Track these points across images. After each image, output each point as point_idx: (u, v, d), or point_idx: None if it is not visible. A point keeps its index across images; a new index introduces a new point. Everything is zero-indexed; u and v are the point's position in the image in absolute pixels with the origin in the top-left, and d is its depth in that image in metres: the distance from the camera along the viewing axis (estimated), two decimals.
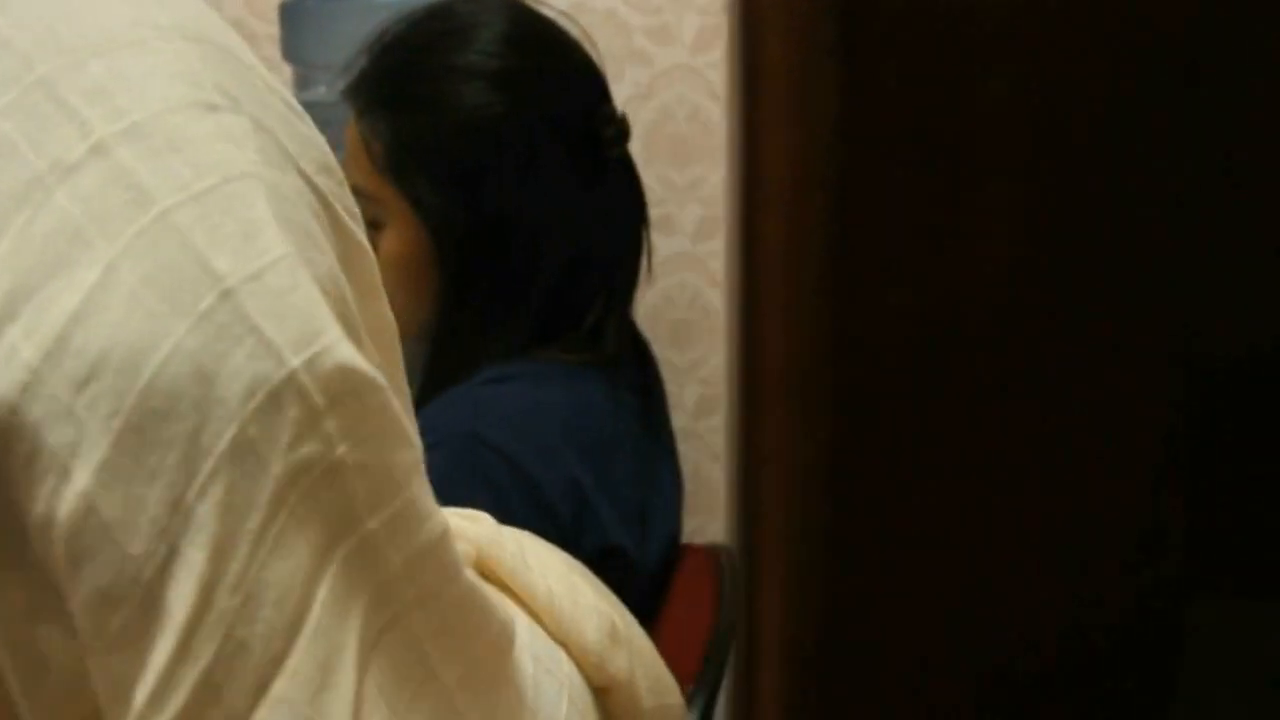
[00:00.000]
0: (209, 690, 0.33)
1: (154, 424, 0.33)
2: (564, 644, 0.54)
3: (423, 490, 0.39)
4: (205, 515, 0.33)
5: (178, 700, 0.33)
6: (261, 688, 0.34)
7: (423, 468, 0.39)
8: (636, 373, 1.08)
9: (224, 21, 0.39)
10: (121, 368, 0.33)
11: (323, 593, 0.35)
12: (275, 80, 0.40)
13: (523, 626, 0.49)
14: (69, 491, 0.33)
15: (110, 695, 0.34)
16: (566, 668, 0.53)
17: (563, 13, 1.12)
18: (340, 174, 0.41)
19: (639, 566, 0.99)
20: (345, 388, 0.36)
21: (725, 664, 0.98)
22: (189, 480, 0.33)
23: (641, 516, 1.00)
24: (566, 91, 1.04)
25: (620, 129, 1.05)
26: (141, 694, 0.33)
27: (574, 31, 1.08)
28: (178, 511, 0.33)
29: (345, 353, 0.36)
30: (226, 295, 0.34)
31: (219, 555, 0.33)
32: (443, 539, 0.39)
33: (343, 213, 0.40)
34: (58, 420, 0.32)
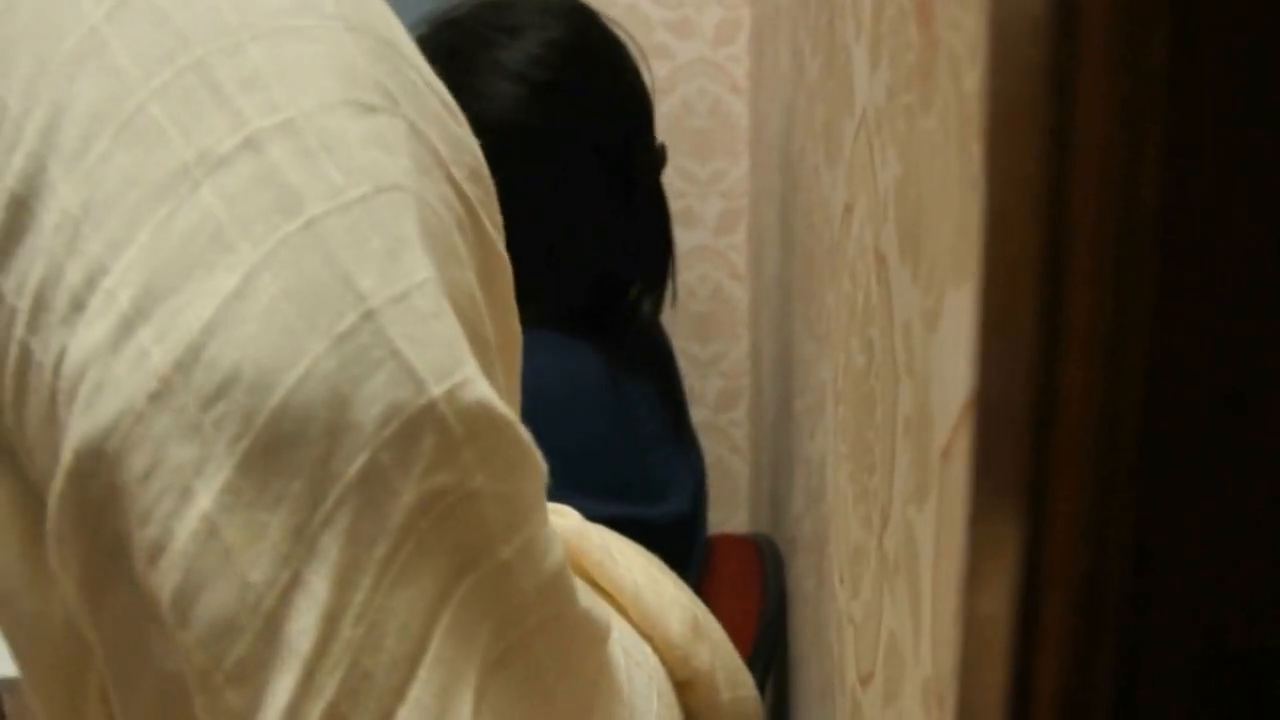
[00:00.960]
0: (350, 700, 0.32)
1: (282, 448, 0.31)
2: (649, 638, 0.54)
3: (546, 515, 0.37)
4: (329, 543, 0.32)
5: (317, 707, 0.32)
6: (389, 715, 0.32)
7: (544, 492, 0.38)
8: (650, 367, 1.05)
9: (387, 8, 0.38)
10: (254, 386, 0.31)
11: (446, 619, 0.33)
12: (433, 75, 0.38)
13: (614, 621, 0.48)
14: (190, 512, 0.31)
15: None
16: (654, 661, 0.53)
17: (618, 25, 1.05)
18: (489, 181, 0.39)
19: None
20: (483, 423, 0.34)
21: (773, 653, 0.98)
22: (314, 507, 0.32)
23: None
24: (608, 118, 0.98)
25: (657, 158, 1.01)
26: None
27: (632, 50, 1.02)
28: (301, 539, 0.32)
29: (484, 389, 0.34)
30: (369, 316, 0.33)
31: (343, 584, 0.32)
32: (565, 563, 0.38)
33: (488, 223, 0.38)
34: (184, 435, 0.31)
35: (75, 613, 0.34)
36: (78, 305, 0.31)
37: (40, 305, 0.32)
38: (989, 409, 0.24)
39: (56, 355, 0.32)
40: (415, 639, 0.33)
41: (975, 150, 0.33)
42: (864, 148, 0.55)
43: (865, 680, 0.54)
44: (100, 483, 0.31)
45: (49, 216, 0.32)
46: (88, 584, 0.33)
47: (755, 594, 1.03)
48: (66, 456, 0.31)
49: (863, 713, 0.56)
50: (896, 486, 0.46)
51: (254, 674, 0.32)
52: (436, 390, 0.33)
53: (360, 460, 0.32)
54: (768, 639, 1.01)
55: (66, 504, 0.32)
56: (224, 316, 0.31)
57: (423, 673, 0.33)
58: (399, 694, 0.32)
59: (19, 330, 0.32)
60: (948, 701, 0.36)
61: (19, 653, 0.37)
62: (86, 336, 0.31)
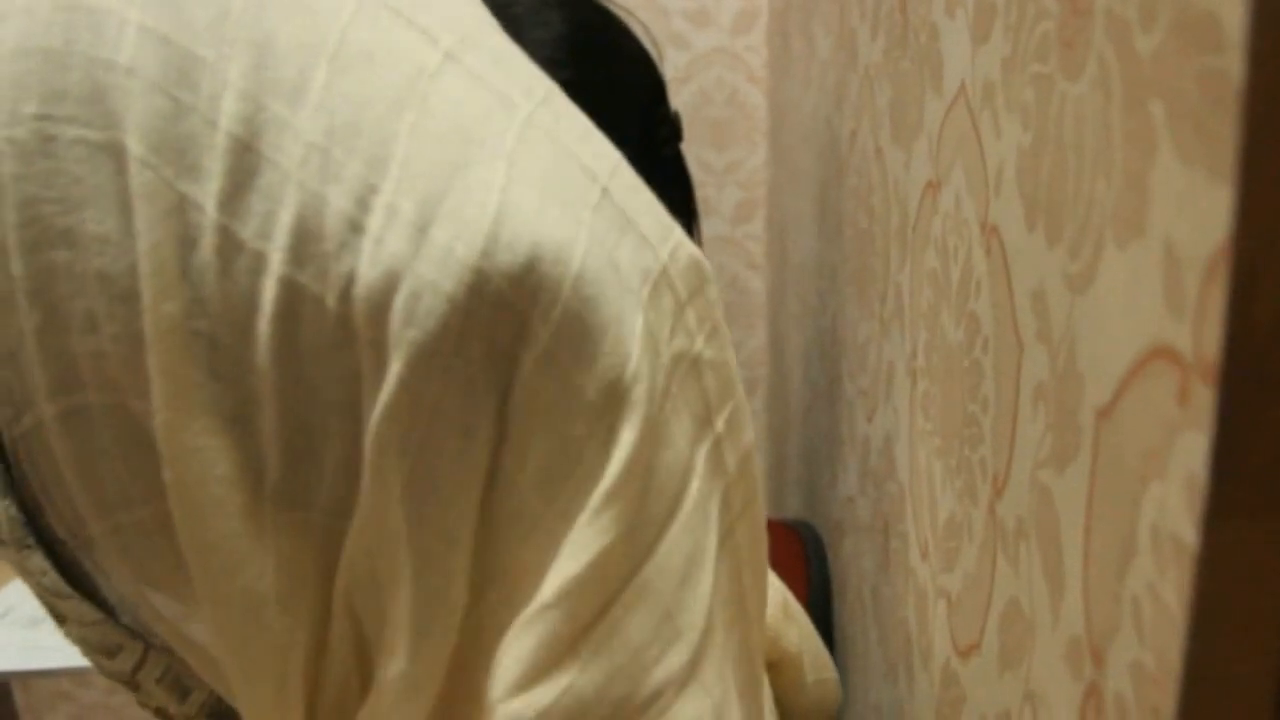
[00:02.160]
0: (622, 562, 0.34)
1: (588, 311, 0.33)
2: None
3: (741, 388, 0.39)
4: (638, 397, 0.34)
5: (588, 569, 0.33)
6: (635, 570, 0.34)
7: None
8: None
9: None
10: (554, 259, 0.33)
11: (693, 487, 0.35)
12: None
13: None
14: (519, 378, 0.33)
15: (546, 563, 0.34)
16: None
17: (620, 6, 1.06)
18: None
19: None
20: (698, 280, 0.36)
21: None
22: (623, 365, 0.33)
23: None
24: (623, 101, 0.97)
25: (674, 128, 1.00)
26: (570, 564, 0.33)
27: (635, 30, 1.01)
28: (614, 394, 0.33)
29: (692, 246, 0.36)
30: (606, 193, 0.35)
31: (644, 437, 0.34)
32: (754, 443, 0.39)
33: None
34: (504, 317, 0.32)
35: (366, 550, 0.34)
36: (356, 227, 0.32)
37: (305, 238, 0.32)
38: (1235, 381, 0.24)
39: (343, 280, 0.32)
40: (670, 500, 0.35)
41: (1156, 109, 0.33)
42: (963, 122, 0.55)
43: (968, 651, 0.55)
44: (435, 384, 0.32)
45: (288, 152, 0.32)
46: (411, 497, 0.33)
47: (800, 579, 1.03)
48: (397, 367, 0.31)
49: (960, 683, 0.56)
50: (1019, 454, 0.46)
51: (574, 512, 0.34)
52: (664, 253, 0.36)
53: (639, 323, 0.34)
54: (817, 624, 1.02)
55: (399, 413, 0.32)
56: (506, 203, 0.33)
57: (673, 533, 0.35)
58: (649, 551, 0.34)
59: (278, 269, 0.32)
60: (1109, 659, 0.36)
61: (228, 634, 0.36)
62: (381, 252, 0.32)
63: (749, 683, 0.38)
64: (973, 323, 0.54)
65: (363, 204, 0.32)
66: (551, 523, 0.33)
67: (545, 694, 0.33)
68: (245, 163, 0.32)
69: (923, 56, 0.65)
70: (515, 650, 0.33)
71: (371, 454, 0.33)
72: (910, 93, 0.69)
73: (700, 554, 0.35)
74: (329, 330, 0.32)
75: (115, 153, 0.33)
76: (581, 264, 0.33)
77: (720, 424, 0.36)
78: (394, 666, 0.34)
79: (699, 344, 0.36)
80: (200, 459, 0.33)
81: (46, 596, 0.37)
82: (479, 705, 0.35)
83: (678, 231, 0.36)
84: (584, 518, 0.33)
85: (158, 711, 0.41)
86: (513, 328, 0.32)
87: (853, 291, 0.90)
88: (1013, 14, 0.47)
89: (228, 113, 0.32)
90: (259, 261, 0.32)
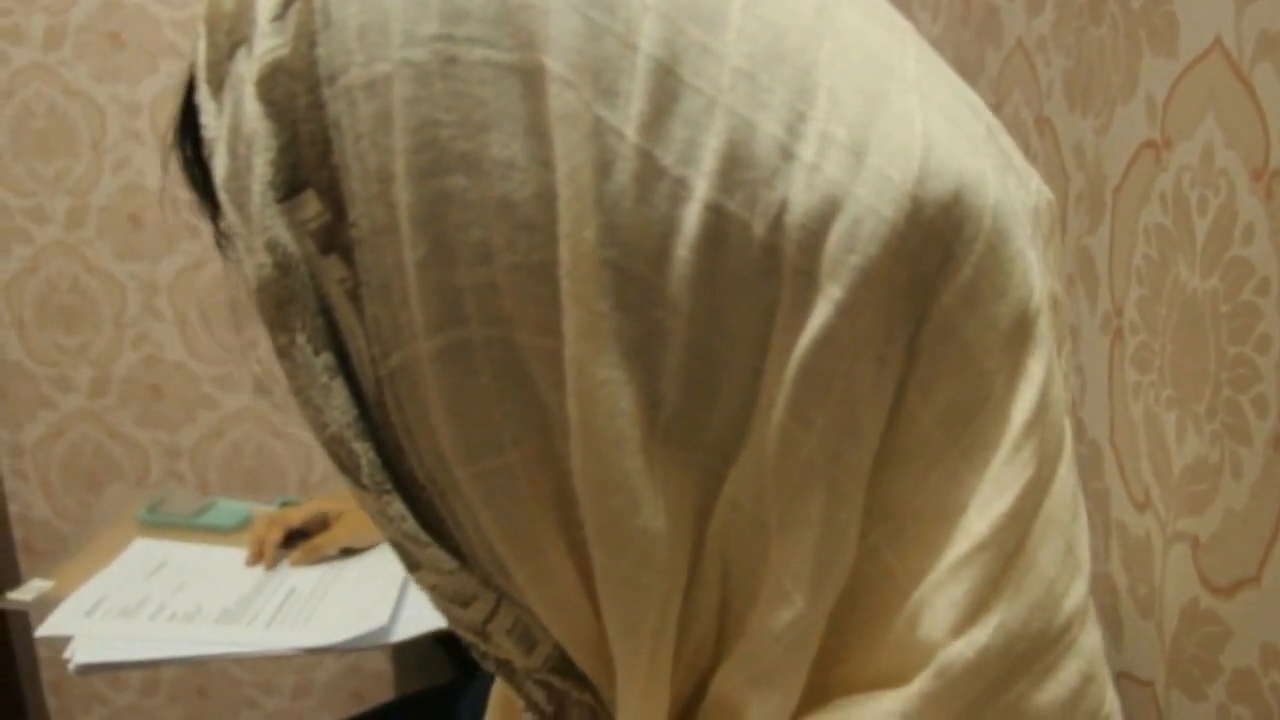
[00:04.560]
0: (1034, 494, 0.34)
1: (1000, 243, 0.33)
2: None
3: None
4: (1042, 330, 0.34)
5: (1007, 501, 0.33)
6: (1040, 504, 0.34)
7: None
8: None
9: None
10: (974, 189, 0.33)
11: (1066, 420, 0.36)
12: None
13: None
14: (936, 308, 0.33)
15: (950, 503, 0.33)
16: None
17: None
18: None
19: None
20: (1053, 219, 0.37)
21: None
22: (1029, 298, 0.33)
23: None
24: None
25: None
26: (979, 500, 0.33)
27: None
28: (1023, 327, 0.33)
29: (1046, 186, 0.38)
30: (990, 129, 0.35)
31: (1049, 370, 0.34)
32: None
33: None
34: (935, 243, 0.32)
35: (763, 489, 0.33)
36: (788, 154, 0.32)
37: (734, 165, 0.32)
38: None
39: (775, 207, 0.32)
40: (1062, 429, 0.35)
41: None
42: (1210, 82, 0.57)
43: (1232, 587, 0.57)
44: (867, 312, 0.32)
45: (712, 77, 0.32)
46: (832, 428, 0.33)
47: None
48: (835, 293, 0.31)
49: (1221, 619, 0.58)
50: None
51: (982, 452, 0.33)
52: (1033, 190, 0.36)
53: (1031, 257, 0.34)
54: None
55: (833, 340, 0.32)
56: (928, 133, 0.33)
57: (1062, 471, 0.35)
58: (1048, 482, 0.34)
59: (705, 195, 0.32)
60: None
61: (618, 580, 0.34)
62: (817, 178, 0.31)
63: None
64: (1239, 267, 0.56)
65: (793, 131, 0.32)
66: (954, 461, 0.33)
67: (981, 633, 0.32)
68: (667, 87, 0.32)
69: (1132, 26, 0.67)
70: (951, 591, 0.33)
71: (791, 386, 0.32)
72: (1107, 61, 0.71)
73: (1078, 486, 0.36)
74: (752, 259, 0.32)
75: (527, 74, 0.32)
76: (995, 196, 0.33)
77: (1064, 360, 0.37)
78: (785, 613, 0.34)
79: (1056, 282, 0.37)
80: (606, 393, 0.32)
81: (403, 542, 0.37)
82: (840, 661, 0.35)
83: (1035, 172, 0.37)
84: (1002, 454, 0.33)
85: (501, 664, 0.39)
86: (937, 257, 0.32)
87: None
88: None
89: (647, 35, 0.32)
90: (681, 188, 0.32)
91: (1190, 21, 0.60)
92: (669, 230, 0.32)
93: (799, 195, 0.31)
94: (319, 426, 0.36)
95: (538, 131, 0.32)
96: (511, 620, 0.38)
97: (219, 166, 0.35)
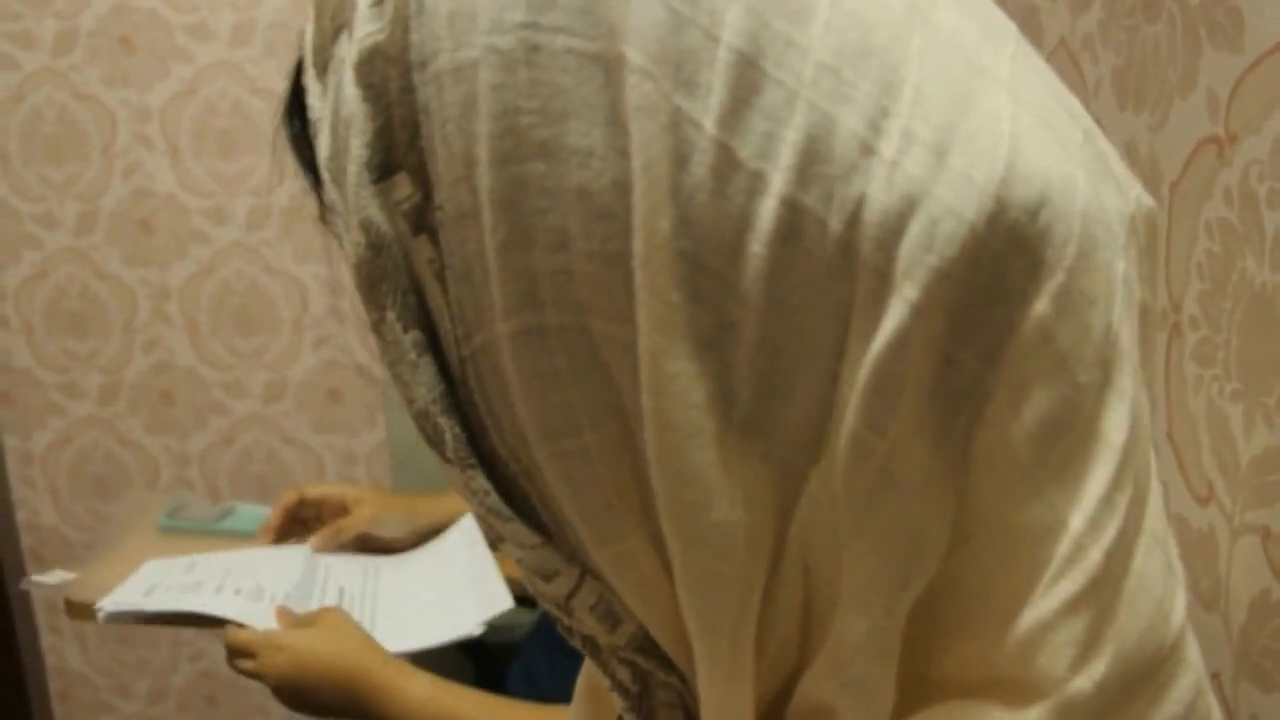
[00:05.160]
0: (1135, 512, 0.33)
1: (1089, 250, 0.32)
2: None
3: None
4: (1127, 344, 0.33)
5: (1114, 524, 0.32)
6: (1141, 518, 0.33)
7: None
8: None
9: None
10: (1062, 194, 0.32)
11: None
12: None
13: None
14: (1027, 317, 0.32)
15: (1043, 523, 0.32)
16: None
17: None
18: None
19: None
20: (1152, 231, 0.36)
21: None
22: (1112, 309, 0.33)
23: None
24: None
25: None
26: (1079, 519, 0.32)
27: None
28: (1108, 339, 0.33)
29: (1148, 195, 0.36)
30: (1087, 134, 0.34)
31: (1138, 385, 0.33)
32: None
33: None
34: (1021, 248, 0.31)
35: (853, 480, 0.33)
36: (867, 150, 0.31)
37: (812, 159, 0.31)
38: None
39: (851, 203, 0.31)
40: (1149, 443, 0.35)
41: None
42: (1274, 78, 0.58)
43: None
44: (941, 315, 0.31)
45: (795, 71, 0.32)
46: (911, 430, 0.32)
47: None
48: (910, 294, 0.31)
49: None
50: None
51: (1073, 468, 0.32)
52: (1132, 199, 0.35)
53: (1120, 266, 0.33)
54: None
55: (908, 341, 0.31)
56: (1016, 134, 0.32)
57: (1154, 471, 0.35)
58: (1148, 474, 0.34)
59: (781, 189, 0.31)
60: None
61: (694, 573, 0.35)
62: (897, 175, 0.31)
63: None
64: None
65: (875, 127, 0.31)
66: (1041, 478, 0.32)
67: (1099, 665, 0.32)
68: (748, 79, 0.31)
69: (1191, 23, 0.67)
70: (1070, 624, 0.32)
71: (864, 390, 0.32)
72: (1163, 57, 0.71)
73: (1165, 497, 0.36)
74: (827, 255, 0.31)
75: (607, 64, 0.32)
76: (1085, 202, 0.32)
77: (1149, 372, 0.36)
78: (862, 622, 0.34)
79: (1147, 294, 0.36)
80: (679, 384, 0.32)
81: (488, 517, 0.37)
82: (938, 659, 0.34)
83: (1136, 181, 0.36)
84: (1104, 474, 0.32)
85: (586, 641, 0.40)
86: (1024, 262, 0.32)
87: None
88: None
89: (730, 27, 0.32)
90: (758, 181, 0.31)
91: (1257, 17, 0.61)
92: (744, 224, 0.32)
93: (877, 192, 0.31)
94: (408, 400, 0.37)
95: (616, 121, 0.32)
96: (595, 597, 0.38)
97: (322, 146, 0.37)
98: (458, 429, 0.36)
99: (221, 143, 1.85)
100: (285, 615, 1.11)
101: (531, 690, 1.15)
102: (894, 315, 0.31)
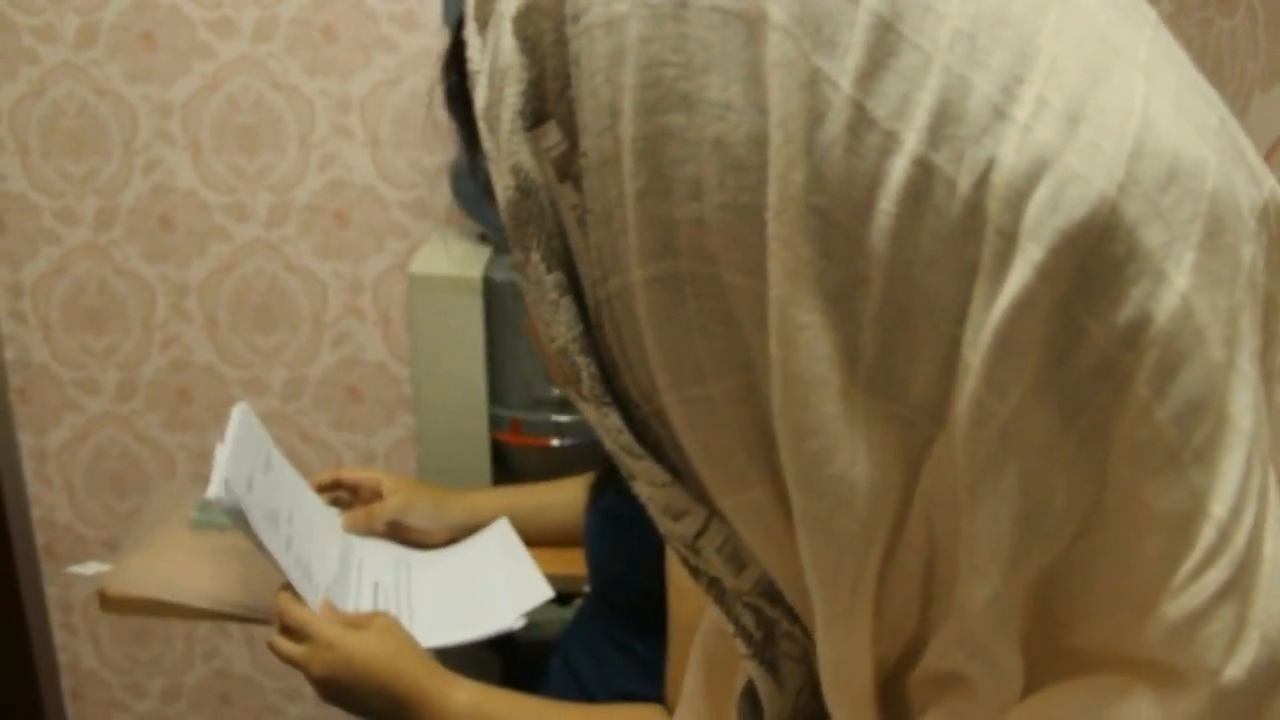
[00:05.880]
0: (1264, 498, 0.33)
1: (1216, 231, 0.33)
2: None
3: None
4: (1246, 326, 0.33)
5: (1251, 509, 0.33)
6: (1266, 493, 0.34)
7: None
8: None
9: None
10: (1191, 172, 0.32)
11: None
12: None
13: None
14: (1167, 294, 0.32)
15: (1185, 507, 0.33)
16: None
17: None
18: None
19: None
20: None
21: None
22: (1235, 291, 0.33)
23: None
24: None
25: None
26: (1221, 506, 0.32)
27: None
28: (1232, 320, 0.33)
29: None
30: (1223, 122, 0.35)
31: (1255, 368, 0.33)
32: None
33: None
34: (1150, 221, 0.32)
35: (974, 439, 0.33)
36: (1000, 114, 0.32)
37: (945, 121, 0.32)
38: None
39: (981, 164, 0.32)
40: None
41: None
42: None
43: None
44: (1066, 279, 0.32)
45: (932, 35, 0.33)
46: (1034, 398, 0.32)
47: None
48: (1035, 255, 0.31)
49: None
50: None
51: (1211, 450, 0.32)
52: (1266, 189, 0.35)
53: (1248, 252, 0.33)
54: None
55: (1033, 302, 0.31)
56: (1148, 111, 0.33)
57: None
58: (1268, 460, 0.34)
59: (913, 148, 0.32)
60: None
61: (814, 524, 0.35)
62: (1028, 140, 0.32)
63: None
64: None
65: (1008, 93, 0.32)
66: (1185, 460, 0.32)
67: (1248, 651, 0.32)
68: (886, 42, 0.33)
69: (1272, 16, 0.68)
70: (1220, 615, 0.33)
71: (986, 352, 0.32)
72: (1240, 50, 0.72)
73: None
74: (955, 215, 0.32)
75: (750, 21, 0.33)
76: (1214, 183, 0.33)
77: (1276, 362, 0.36)
78: (982, 590, 0.34)
79: (1276, 284, 0.35)
80: (806, 335, 0.33)
81: (620, 454, 0.39)
82: (1072, 633, 0.35)
83: (1271, 174, 0.37)
84: (1238, 457, 0.33)
85: (711, 584, 0.40)
86: (1157, 236, 0.32)
87: None
88: None
89: None
90: (890, 141, 0.32)
91: None
92: (875, 182, 0.33)
93: (1008, 155, 0.32)
94: (549, 339, 0.38)
95: (756, 77, 0.33)
96: (721, 538, 0.39)
97: (479, 97, 0.38)
98: (593, 368, 0.38)
99: (243, 139, 1.84)
100: (331, 611, 1.11)
101: (573, 682, 1.16)
102: (1018, 275, 0.31)
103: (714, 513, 0.39)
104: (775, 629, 0.40)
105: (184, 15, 1.80)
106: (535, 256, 0.37)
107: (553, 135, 0.36)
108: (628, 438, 0.38)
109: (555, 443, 1.47)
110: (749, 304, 0.34)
